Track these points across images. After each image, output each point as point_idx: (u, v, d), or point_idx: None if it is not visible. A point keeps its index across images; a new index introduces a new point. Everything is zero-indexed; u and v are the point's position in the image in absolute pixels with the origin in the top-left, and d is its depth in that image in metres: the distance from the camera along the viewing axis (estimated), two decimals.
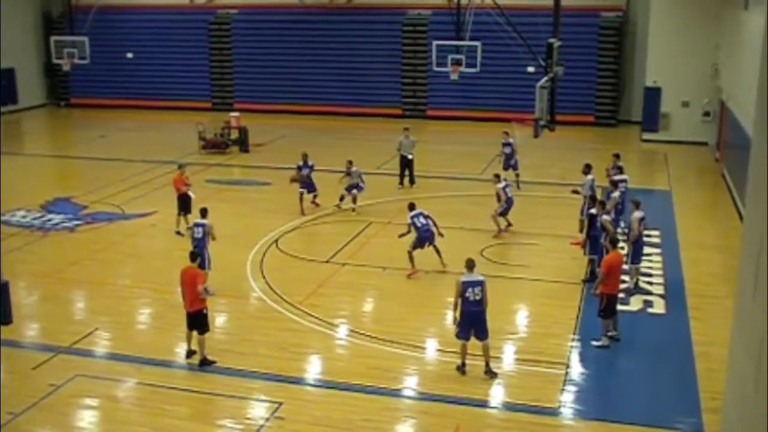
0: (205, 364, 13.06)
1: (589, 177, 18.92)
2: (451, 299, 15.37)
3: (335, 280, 16.87)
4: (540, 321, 15.00)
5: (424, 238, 16.80)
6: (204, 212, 16.19)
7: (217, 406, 12.16)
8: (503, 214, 19.44)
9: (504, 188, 19.31)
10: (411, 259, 16.79)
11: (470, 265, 12.70)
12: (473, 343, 12.65)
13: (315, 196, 21.73)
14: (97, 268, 17.82)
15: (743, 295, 7.63)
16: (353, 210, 21.07)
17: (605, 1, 34.17)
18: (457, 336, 12.67)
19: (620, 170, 19.44)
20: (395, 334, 14.17)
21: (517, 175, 23.68)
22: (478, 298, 12.41)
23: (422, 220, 16.90)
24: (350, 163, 21.40)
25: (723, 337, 11.60)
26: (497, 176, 19.65)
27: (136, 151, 29.51)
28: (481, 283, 12.48)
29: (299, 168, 21.63)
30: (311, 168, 21.63)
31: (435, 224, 16.99)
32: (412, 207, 17.23)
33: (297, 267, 17.67)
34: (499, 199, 19.36)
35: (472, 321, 12.50)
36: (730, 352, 9.08)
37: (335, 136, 32.24)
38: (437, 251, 16.93)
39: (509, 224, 19.65)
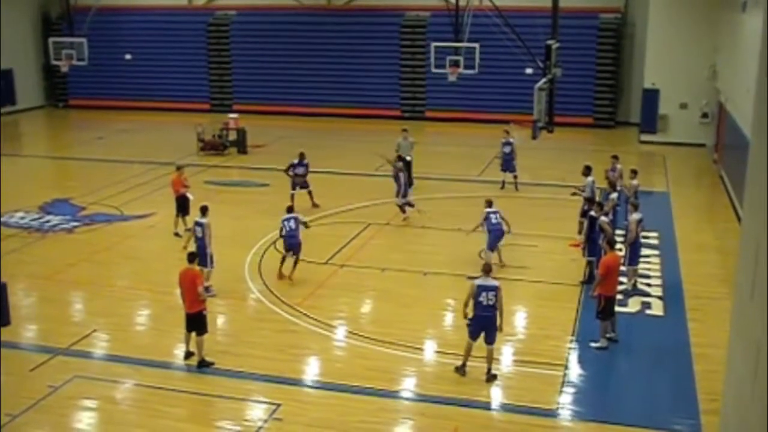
0: (203, 365, 13.05)
1: (589, 179, 18.95)
2: (450, 300, 15.47)
3: (333, 282, 16.87)
4: (538, 322, 15.01)
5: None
6: (204, 210, 16.11)
7: (216, 407, 12.15)
8: (492, 247, 17.29)
9: (489, 215, 17.17)
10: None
11: (487, 269, 12.71)
12: (477, 344, 12.64)
13: (310, 193, 21.75)
14: (96, 270, 17.80)
15: (741, 297, 7.63)
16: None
17: (604, 3, 34.20)
18: (470, 336, 12.66)
19: (634, 174, 19.50)
20: (393, 335, 14.17)
21: (515, 177, 23.69)
22: (491, 303, 12.40)
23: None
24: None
25: (721, 339, 11.61)
26: (489, 203, 17.49)
27: (135, 153, 29.51)
28: (495, 288, 12.44)
29: (293, 166, 21.62)
30: (306, 167, 21.66)
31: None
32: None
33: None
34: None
35: (484, 325, 12.51)
36: (728, 353, 9.08)
37: (334, 138, 32.25)
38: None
39: (501, 261, 17.52)
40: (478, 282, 12.49)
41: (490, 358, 12.64)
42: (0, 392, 11.90)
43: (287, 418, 11.62)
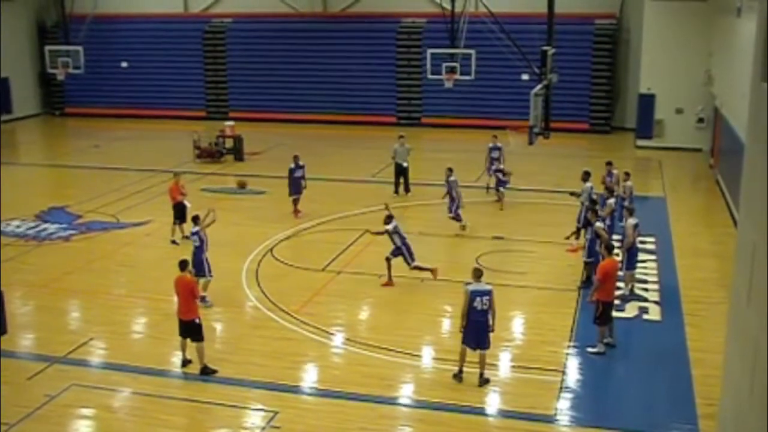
0: (206, 372, 13.00)
1: (588, 184, 18.97)
2: (448, 307, 15.46)
3: (331, 289, 16.86)
4: (536, 328, 15.01)
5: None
6: (196, 220, 16.15)
7: (213, 415, 12.12)
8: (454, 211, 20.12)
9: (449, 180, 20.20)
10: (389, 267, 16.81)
11: (478, 274, 12.72)
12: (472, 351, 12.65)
13: (296, 201, 21.76)
14: (92, 278, 17.78)
15: (738, 301, 7.63)
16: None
17: (599, 9, 34.31)
18: (463, 342, 12.67)
19: (627, 176, 19.57)
20: (391, 342, 14.16)
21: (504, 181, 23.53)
22: (485, 307, 12.42)
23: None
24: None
25: (718, 343, 11.62)
26: (449, 169, 20.47)
27: (131, 160, 29.48)
28: (489, 293, 12.47)
29: (291, 171, 21.69)
30: (302, 169, 21.74)
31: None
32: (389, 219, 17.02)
33: (292, 275, 17.65)
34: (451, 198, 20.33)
35: (478, 330, 12.52)
36: (725, 357, 9.08)
37: (330, 145, 32.26)
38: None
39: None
40: (471, 288, 12.50)
41: (483, 363, 12.65)
42: (0, 400, 11.86)
43: (285, 425, 11.59)
